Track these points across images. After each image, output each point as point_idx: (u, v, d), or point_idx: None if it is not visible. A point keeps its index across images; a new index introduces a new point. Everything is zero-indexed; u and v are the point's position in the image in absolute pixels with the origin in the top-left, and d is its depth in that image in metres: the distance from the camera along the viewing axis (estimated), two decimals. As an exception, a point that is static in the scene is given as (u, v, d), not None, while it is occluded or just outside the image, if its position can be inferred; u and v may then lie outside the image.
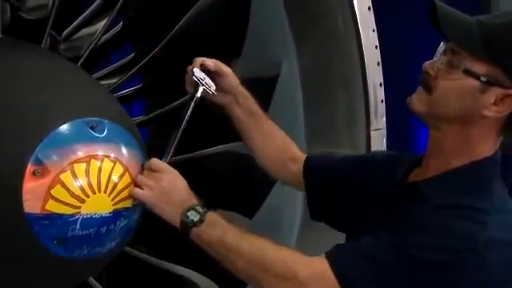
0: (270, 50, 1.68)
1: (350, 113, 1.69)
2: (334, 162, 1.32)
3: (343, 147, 1.70)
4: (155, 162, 1.23)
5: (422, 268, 1.03)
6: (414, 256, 1.03)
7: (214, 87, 1.27)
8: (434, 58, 1.11)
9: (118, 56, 1.86)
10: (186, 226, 1.17)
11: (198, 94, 1.26)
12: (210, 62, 1.27)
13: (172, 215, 1.19)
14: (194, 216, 1.17)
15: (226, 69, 1.29)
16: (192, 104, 1.26)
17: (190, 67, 1.27)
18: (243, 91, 1.32)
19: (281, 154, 1.36)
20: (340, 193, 1.26)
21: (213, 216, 1.19)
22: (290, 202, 1.71)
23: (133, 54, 1.81)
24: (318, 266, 1.08)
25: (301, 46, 1.68)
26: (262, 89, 1.67)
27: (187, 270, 1.53)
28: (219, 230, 1.17)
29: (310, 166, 1.33)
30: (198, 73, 1.26)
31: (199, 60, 1.27)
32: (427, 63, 1.11)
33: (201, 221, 1.17)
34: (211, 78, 1.27)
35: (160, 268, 1.52)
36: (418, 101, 1.11)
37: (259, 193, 1.67)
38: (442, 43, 1.11)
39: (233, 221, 1.21)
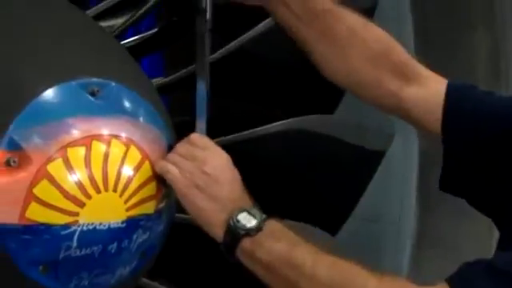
0: None
1: (494, 56, 1.69)
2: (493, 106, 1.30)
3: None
4: (198, 136, 1.29)
5: None
6: None
7: None
8: None
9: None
10: (236, 234, 1.22)
11: (208, 15, 1.29)
12: None
13: (213, 217, 1.23)
14: (247, 220, 1.22)
15: None
16: (207, 35, 1.30)
17: None
18: None
19: (377, 65, 1.34)
20: (496, 158, 1.26)
21: (274, 224, 1.23)
22: (396, 209, 1.74)
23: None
24: None
25: None
26: None
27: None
28: (284, 243, 1.21)
29: (455, 107, 1.30)
30: None
31: None
32: None
33: (258, 228, 1.22)
34: None
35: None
36: None
37: (346, 195, 1.72)
38: None
39: (305, 237, 1.25)
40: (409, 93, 1.33)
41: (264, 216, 1.23)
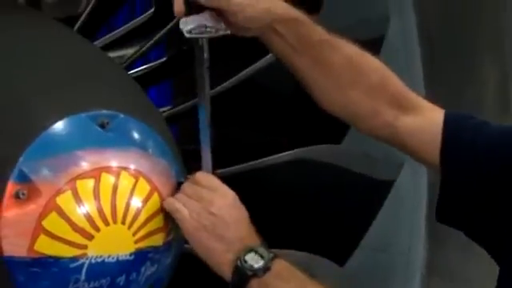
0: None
1: (503, 89, 1.69)
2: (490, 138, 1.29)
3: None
4: (205, 175, 1.29)
5: None
6: None
7: (222, 26, 1.30)
8: None
9: (121, 17, 1.94)
10: (243, 274, 1.23)
11: (206, 54, 1.31)
12: None
13: (221, 257, 1.24)
14: (255, 261, 1.23)
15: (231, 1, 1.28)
16: (205, 72, 1.31)
17: (176, 9, 1.28)
18: (283, 16, 1.31)
19: (374, 96, 1.34)
20: (495, 190, 1.26)
21: (282, 264, 1.24)
22: (405, 239, 1.74)
23: (152, 10, 1.89)
24: None
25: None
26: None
27: None
28: (292, 284, 1.22)
29: (454, 138, 1.30)
30: (189, 23, 1.28)
31: None
32: None
33: (266, 268, 1.22)
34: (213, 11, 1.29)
35: None
36: None
37: (355, 225, 1.73)
38: None
39: (313, 270, 1.26)
40: (405, 122, 1.33)
41: (271, 255, 1.24)
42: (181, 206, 1.26)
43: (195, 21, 1.28)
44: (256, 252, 1.23)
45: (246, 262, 1.23)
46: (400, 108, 1.33)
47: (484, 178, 1.27)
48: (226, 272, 1.24)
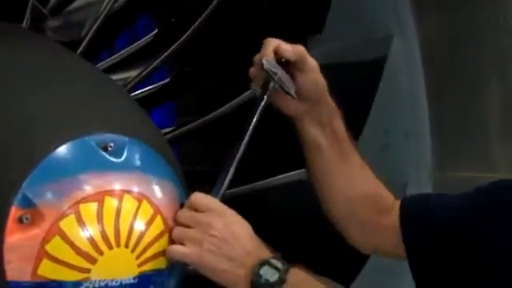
0: (371, 19, 1.74)
1: (510, 109, 1.69)
2: (444, 205, 1.37)
3: (497, 170, 1.72)
4: (199, 197, 1.29)
5: None
6: None
7: (293, 88, 1.34)
8: None
9: (123, 39, 1.97)
10: None
11: (265, 98, 1.33)
12: (288, 48, 1.33)
13: (234, 277, 1.24)
14: (270, 274, 1.23)
15: (310, 61, 1.36)
16: (260, 109, 1.34)
17: (259, 55, 1.34)
18: (329, 100, 1.39)
19: (372, 205, 1.43)
20: (459, 253, 1.31)
21: (297, 275, 1.24)
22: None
23: (154, 32, 1.91)
24: None
25: (424, 9, 1.72)
26: (360, 79, 1.73)
27: None
28: None
29: (408, 211, 1.39)
30: (271, 63, 1.32)
31: (273, 43, 1.33)
32: None
33: (281, 281, 1.23)
34: (288, 73, 1.34)
35: None
36: None
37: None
38: None
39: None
40: (389, 222, 1.40)
41: (285, 266, 1.24)
42: (178, 248, 1.26)
43: (277, 67, 1.32)
44: (270, 264, 1.24)
45: (261, 276, 1.23)
46: (384, 211, 1.42)
47: (441, 244, 1.32)
48: None
